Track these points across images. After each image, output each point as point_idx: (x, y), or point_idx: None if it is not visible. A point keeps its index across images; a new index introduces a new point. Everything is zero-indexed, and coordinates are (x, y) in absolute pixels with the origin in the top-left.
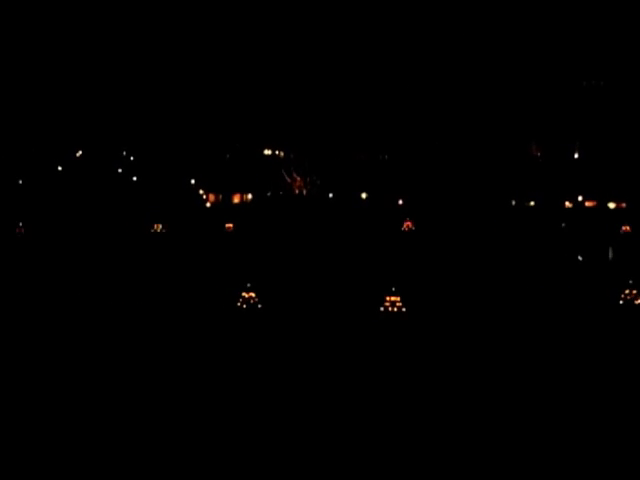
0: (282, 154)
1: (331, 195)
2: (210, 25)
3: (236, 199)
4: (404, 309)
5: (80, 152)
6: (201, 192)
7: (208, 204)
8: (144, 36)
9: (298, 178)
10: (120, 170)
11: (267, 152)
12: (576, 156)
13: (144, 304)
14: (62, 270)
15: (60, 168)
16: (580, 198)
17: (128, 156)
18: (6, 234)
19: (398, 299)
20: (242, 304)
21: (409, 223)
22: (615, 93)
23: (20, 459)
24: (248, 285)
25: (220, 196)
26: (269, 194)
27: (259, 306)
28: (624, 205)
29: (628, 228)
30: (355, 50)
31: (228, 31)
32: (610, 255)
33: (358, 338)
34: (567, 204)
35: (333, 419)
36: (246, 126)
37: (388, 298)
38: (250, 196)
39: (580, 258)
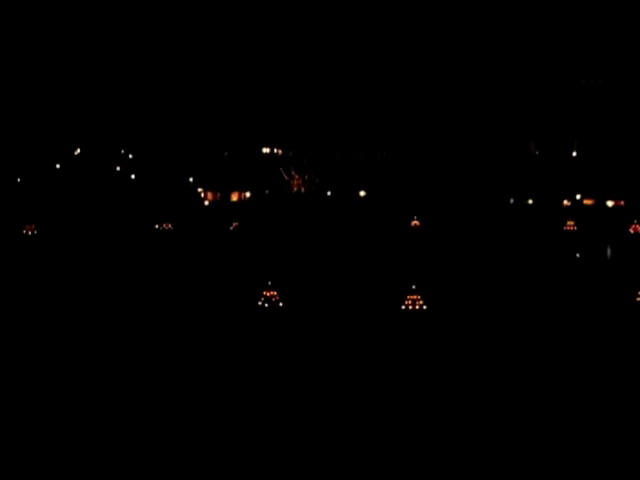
0: (280, 152)
1: (329, 193)
2: (209, 25)
3: (234, 197)
4: (425, 307)
5: (78, 150)
6: (200, 190)
7: (206, 202)
8: (143, 35)
9: (296, 176)
10: (118, 168)
11: (265, 150)
12: (574, 154)
13: (163, 304)
14: (73, 270)
15: (58, 166)
16: (578, 196)
17: (126, 154)
18: (12, 234)
19: (419, 297)
20: (264, 303)
21: (416, 222)
22: (614, 92)
23: (20, 459)
24: (269, 283)
25: (218, 194)
26: (267, 192)
27: (280, 304)
28: (622, 203)
29: (639, 227)
30: (354, 49)
31: (227, 31)
32: (608, 253)
33: (380, 336)
34: (565, 202)
35: (355, 416)
36: (244, 124)
37: (409, 296)
38: (248, 194)
39: (578, 255)
